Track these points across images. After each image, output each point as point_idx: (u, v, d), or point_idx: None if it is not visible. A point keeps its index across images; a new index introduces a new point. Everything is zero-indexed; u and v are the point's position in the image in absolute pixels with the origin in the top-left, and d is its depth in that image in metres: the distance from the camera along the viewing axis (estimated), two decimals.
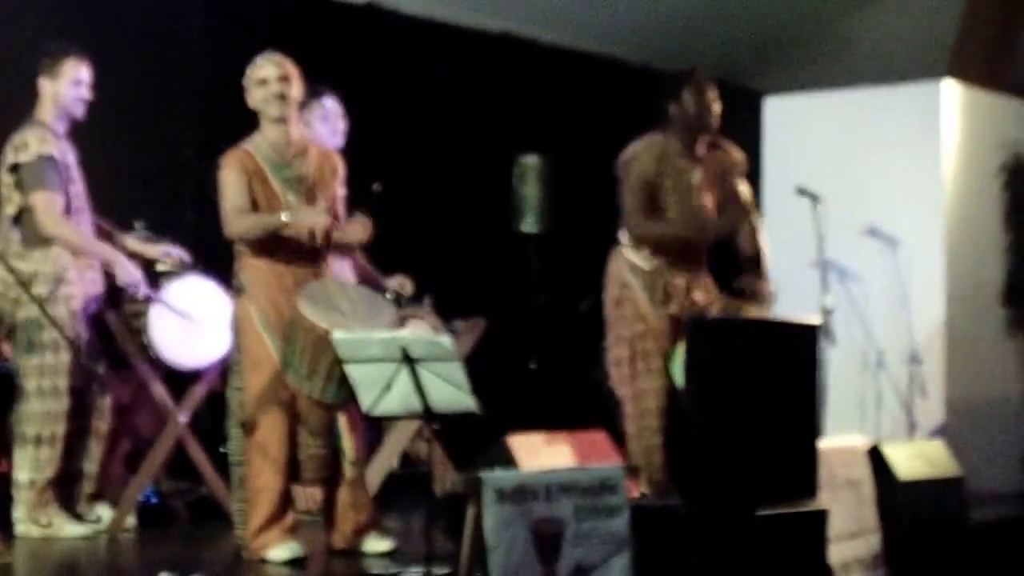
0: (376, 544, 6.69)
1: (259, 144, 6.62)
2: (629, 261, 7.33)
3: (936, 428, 9.09)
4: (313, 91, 7.39)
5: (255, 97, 6.62)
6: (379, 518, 6.86)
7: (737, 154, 7.57)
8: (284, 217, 6.46)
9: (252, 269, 6.55)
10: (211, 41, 9.67)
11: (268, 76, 6.59)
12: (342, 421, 6.57)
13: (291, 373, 6.37)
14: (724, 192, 7.49)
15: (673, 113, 7.38)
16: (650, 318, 7.22)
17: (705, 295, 7.32)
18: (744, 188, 7.56)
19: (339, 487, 6.68)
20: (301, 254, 6.56)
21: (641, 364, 7.22)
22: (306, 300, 6.34)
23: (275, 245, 6.53)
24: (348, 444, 6.62)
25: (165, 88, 9.44)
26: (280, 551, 6.46)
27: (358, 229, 6.86)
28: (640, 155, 7.34)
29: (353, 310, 6.40)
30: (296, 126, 6.71)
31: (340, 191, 6.80)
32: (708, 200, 7.41)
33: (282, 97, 6.58)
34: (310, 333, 6.20)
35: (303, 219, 6.48)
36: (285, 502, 6.55)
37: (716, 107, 7.40)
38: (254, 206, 6.53)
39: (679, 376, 7.05)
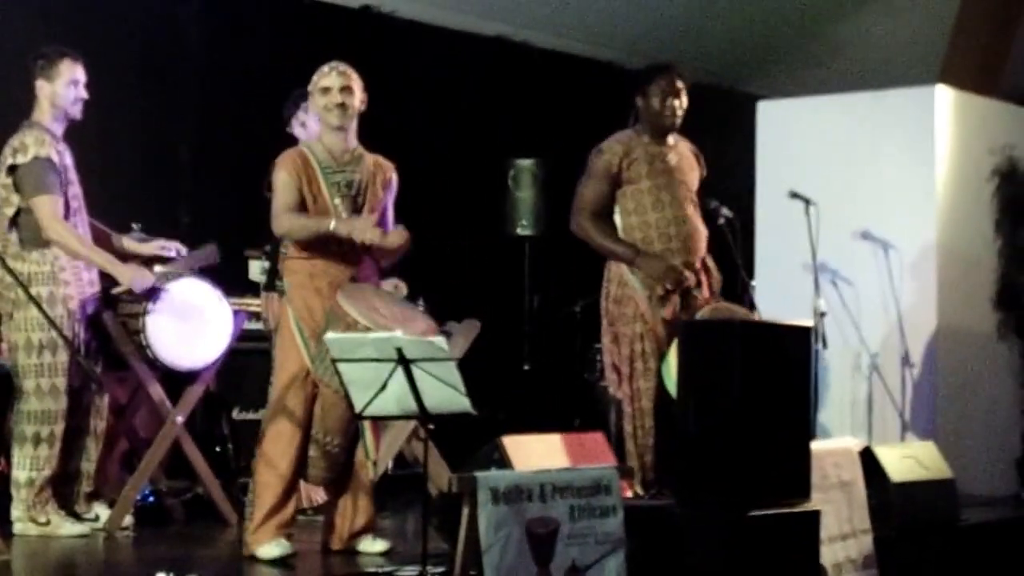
0: (372, 545, 6.75)
1: (315, 147, 6.78)
2: None
3: (928, 431, 9.12)
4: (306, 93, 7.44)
5: (317, 103, 6.76)
6: (374, 521, 6.90)
7: (697, 152, 7.64)
8: (331, 225, 6.57)
9: (291, 272, 6.69)
10: (208, 44, 9.70)
11: (331, 85, 6.71)
12: (366, 422, 6.62)
13: (322, 369, 6.45)
14: (699, 182, 7.60)
15: (640, 106, 7.46)
16: (648, 318, 7.27)
17: (703, 295, 7.37)
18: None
19: (346, 489, 6.74)
20: (340, 255, 6.65)
21: (639, 364, 7.26)
22: (345, 297, 6.47)
23: (318, 241, 6.63)
24: (372, 444, 6.71)
25: (162, 91, 9.47)
26: (269, 548, 6.50)
27: (396, 236, 6.89)
28: (607, 148, 7.42)
29: (391, 312, 6.50)
30: (354, 135, 6.83)
31: (390, 201, 6.90)
32: (688, 181, 7.47)
33: (342, 107, 6.70)
34: (349, 328, 6.27)
35: (350, 226, 6.57)
36: (284, 501, 6.59)
37: (680, 106, 7.45)
38: (302, 206, 6.66)
39: (670, 380, 7.12)
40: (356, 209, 6.72)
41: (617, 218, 7.40)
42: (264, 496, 6.56)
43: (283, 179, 6.67)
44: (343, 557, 6.65)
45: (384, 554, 6.67)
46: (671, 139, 7.50)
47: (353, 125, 6.81)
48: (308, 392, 6.60)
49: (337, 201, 6.69)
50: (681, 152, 7.52)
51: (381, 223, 6.78)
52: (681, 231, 7.34)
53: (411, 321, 6.49)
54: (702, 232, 7.45)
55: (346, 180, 6.74)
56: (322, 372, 6.47)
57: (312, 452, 6.64)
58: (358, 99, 6.77)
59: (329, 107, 6.72)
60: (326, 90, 6.72)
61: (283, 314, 6.70)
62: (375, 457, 6.73)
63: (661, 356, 7.23)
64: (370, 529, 6.80)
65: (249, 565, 6.45)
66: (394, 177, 6.92)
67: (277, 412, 6.60)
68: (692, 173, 7.53)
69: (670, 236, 7.33)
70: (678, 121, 7.47)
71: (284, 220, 6.65)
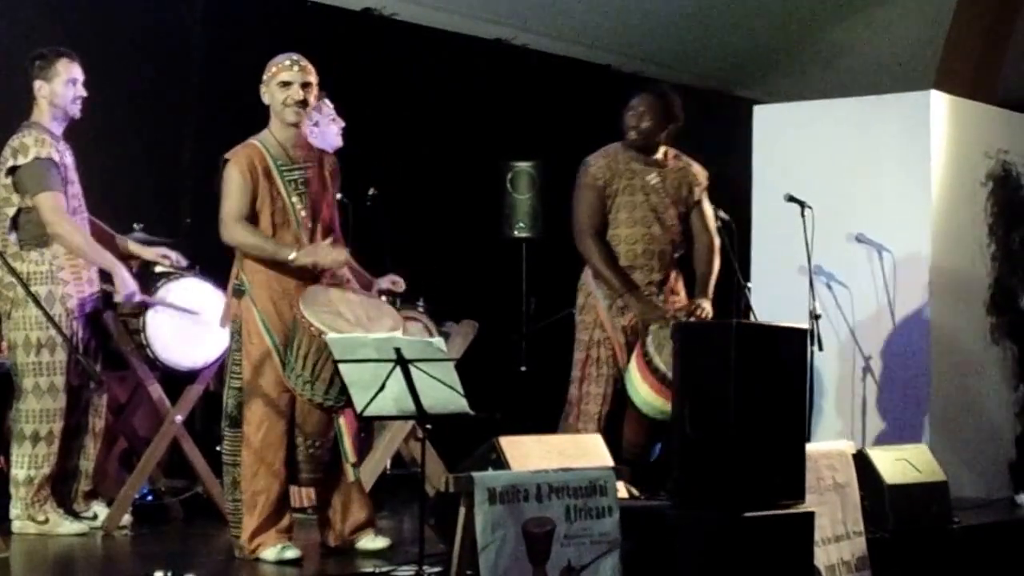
0: (372, 543, 6.72)
1: (268, 141, 6.60)
2: None
3: (921, 433, 9.14)
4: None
5: (275, 97, 6.59)
6: (374, 517, 6.89)
7: (699, 170, 7.73)
8: (291, 257, 6.45)
9: (253, 271, 6.53)
10: (209, 45, 9.72)
11: (292, 80, 6.54)
12: (342, 422, 6.60)
13: (292, 376, 6.40)
14: (687, 206, 7.67)
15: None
16: (607, 326, 7.46)
17: (669, 302, 7.54)
18: (708, 208, 7.76)
19: (336, 486, 6.71)
20: None
21: (592, 369, 7.50)
22: (307, 304, 6.35)
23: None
24: (349, 445, 6.65)
25: (164, 92, 9.49)
26: (274, 551, 6.46)
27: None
28: (592, 162, 7.62)
29: (355, 314, 6.44)
30: (305, 129, 6.74)
31: (337, 194, 6.86)
32: (668, 206, 7.58)
33: (303, 104, 6.57)
34: (314, 339, 6.24)
35: (313, 257, 6.50)
36: (281, 504, 6.55)
37: (638, 128, 7.58)
38: (256, 205, 6.51)
39: (632, 389, 7.34)
40: (312, 206, 6.62)
41: None
42: (261, 502, 6.49)
43: (236, 179, 6.48)
44: (340, 557, 6.65)
45: (385, 551, 6.66)
46: (659, 154, 7.61)
47: (306, 120, 6.72)
48: (291, 396, 6.52)
49: (295, 199, 6.56)
50: (669, 170, 7.63)
51: (331, 217, 6.73)
52: (648, 249, 7.53)
53: (377, 320, 6.45)
54: (671, 251, 7.62)
55: (302, 177, 6.60)
56: (294, 381, 6.42)
57: (297, 457, 6.59)
58: (314, 94, 6.67)
59: (288, 103, 6.56)
60: (286, 84, 6.56)
61: (246, 317, 6.53)
62: (353, 459, 6.70)
63: (623, 367, 7.42)
64: (371, 525, 6.78)
65: (247, 565, 6.47)
66: (337, 169, 6.83)
67: (267, 419, 6.49)
68: (678, 191, 7.62)
69: (636, 253, 7.53)
70: (640, 140, 7.59)
71: (238, 233, 6.48)
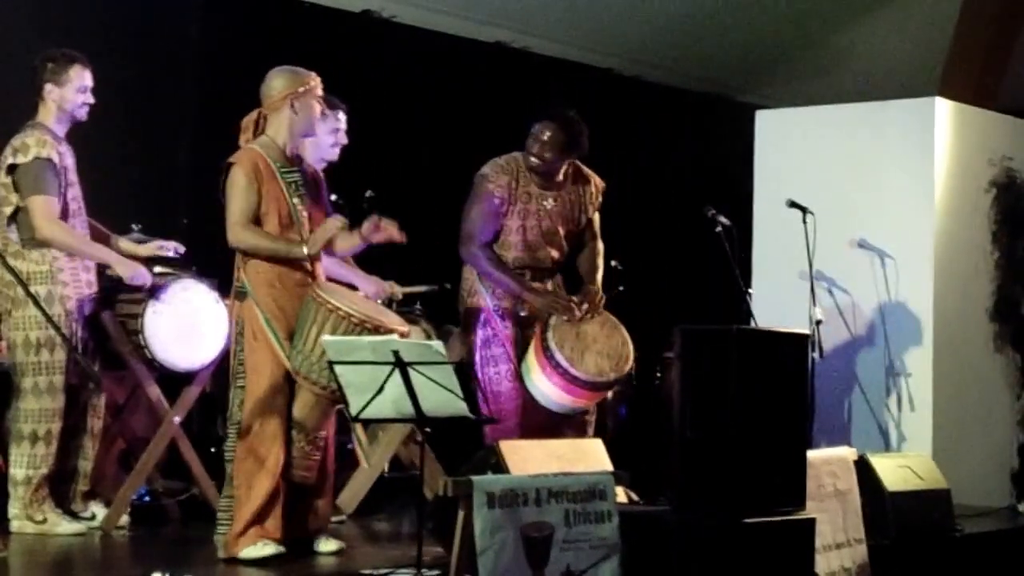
0: (327, 545, 6.73)
1: (269, 147, 6.66)
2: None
3: (923, 441, 9.14)
4: (329, 103, 7.42)
5: (311, 110, 6.69)
6: (329, 520, 6.93)
7: (596, 187, 7.70)
8: (304, 252, 6.54)
9: (255, 272, 6.57)
10: (208, 47, 9.71)
11: (321, 95, 6.70)
12: None
13: (305, 364, 6.42)
14: (578, 226, 7.64)
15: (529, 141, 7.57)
16: (495, 323, 7.42)
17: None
18: (596, 219, 7.72)
19: (315, 485, 6.69)
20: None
21: (491, 369, 7.43)
22: (322, 291, 6.46)
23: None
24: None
25: (162, 93, 9.48)
26: (254, 549, 6.46)
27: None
28: (493, 176, 7.52)
29: (364, 306, 6.56)
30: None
31: (331, 196, 6.95)
32: (559, 228, 7.55)
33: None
34: (341, 320, 6.30)
35: (319, 241, 6.58)
36: (272, 503, 6.54)
37: (547, 154, 7.48)
38: (261, 208, 6.56)
39: (530, 381, 7.32)
40: (310, 207, 6.70)
41: None
42: (254, 500, 6.48)
43: (242, 182, 6.54)
44: (338, 558, 6.65)
45: (338, 553, 6.69)
46: (559, 176, 7.61)
47: None
48: (288, 395, 6.54)
49: (296, 200, 6.64)
50: (566, 192, 7.60)
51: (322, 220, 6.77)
52: (532, 267, 7.49)
53: (383, 314, 6.56)
54: (554, 268, 7.58)
55: (301, 179, 6.69)
56: (306, 369, 6.43)
57: (293, 453, 6.61)
58: None
59: (320, 116, 6.80)
60: (321, 99, 6.74)
61: (249, 317, 6.56)
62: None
63: (520, 361, 7.39)
64: (326, 528, 6.82)
65: (243, 566, 6.44)
66: (321, 175, 6.93)
67: (263, 416, 6.50)
68: (571, 213, 7.60)
69: (521, 269, 7.48)
70: (542, 168, 7.50)
71: (248, 236, 6.54)
